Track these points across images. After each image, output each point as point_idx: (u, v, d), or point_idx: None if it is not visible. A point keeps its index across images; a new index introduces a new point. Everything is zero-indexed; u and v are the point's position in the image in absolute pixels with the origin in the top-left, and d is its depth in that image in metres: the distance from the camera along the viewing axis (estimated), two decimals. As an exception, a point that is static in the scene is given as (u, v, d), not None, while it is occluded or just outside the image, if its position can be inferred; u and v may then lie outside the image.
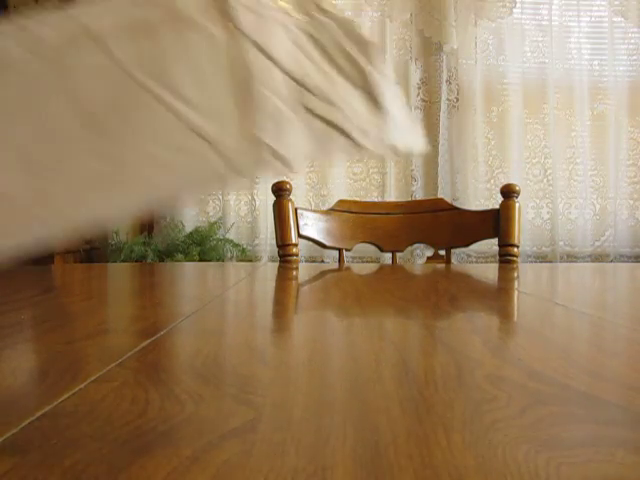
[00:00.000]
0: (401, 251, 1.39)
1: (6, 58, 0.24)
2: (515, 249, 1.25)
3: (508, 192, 1.27)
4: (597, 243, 2.13)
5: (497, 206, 1.28)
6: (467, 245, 1.33)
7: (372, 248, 1.40)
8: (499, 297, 0.74)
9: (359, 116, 0.26)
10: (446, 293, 0.71)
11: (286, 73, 0.25)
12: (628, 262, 2.09)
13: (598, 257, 2.12)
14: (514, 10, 2.16)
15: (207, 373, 0.32)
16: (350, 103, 0.26)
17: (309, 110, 0.25)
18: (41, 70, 0.24)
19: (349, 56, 0.26)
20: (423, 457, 0.21)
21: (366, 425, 0.24)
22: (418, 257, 2.16)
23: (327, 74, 0.26)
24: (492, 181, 2.15)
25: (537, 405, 0.27)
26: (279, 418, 0.25)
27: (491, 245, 1.95)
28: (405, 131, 0.27)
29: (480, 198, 2.14)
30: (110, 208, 0.24)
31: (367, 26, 2.20)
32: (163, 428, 0.24)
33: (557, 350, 0.39)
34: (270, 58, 0.25)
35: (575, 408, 0.26)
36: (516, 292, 0.78)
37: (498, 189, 1.32)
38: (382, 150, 0.26)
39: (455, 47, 2.15)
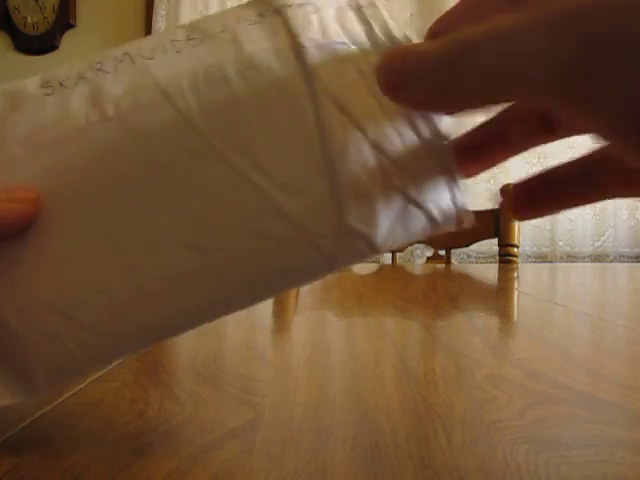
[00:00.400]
0: (401, 251, 1.39)
1: (75, 123, 0.21)
2: (515, 249, 1.25)
3: (508, 192, 1.27)
4: (597, 243, 2.13)
5: (497, 206, 1.28)
6: (467, 245, 1.33)
7: (372, 248, 1.40)
8: (499, 297, 0.74)
9: (434, 189, 0.21)
10: (446, 293, 0.71)
11: (365, 135, 0.20)
12: (628, 262, 2.09)
13: (598, 257, 2.12)
14: (514, 10, 2.16)
15: (207, 373, 0.32)
16: (427, 174, 0.21)
17: (388, 182, 0.21)
18: (116, 138, 0.21)
19: (427, 115, 0.21)
20: (423, 457, 0.21)
21: (366, 425, 0.24)
22: (418, 257, 2.16)
23: (405, 137, 0.21)
24: (492, 181, 2.15)
25: (537, 405, 0.27)
26: (279, 418, 0.25)
27: (491, 245, 1.95)
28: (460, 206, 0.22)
29: (480, 198, 2.14)
30: (203, 306, 0.21)
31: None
32: (163, 428, 0.24)
33: (557, 350, 0.39)
34: (348, 115, 0.20)
35: (575, 408, 0.26)
36: (516, 292, 0.78)
37: (498, 189, 1.32)
38: (454, 229, 0.23)
39: (455, 47, 2.15)
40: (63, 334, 0.21)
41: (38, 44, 2.27)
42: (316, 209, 0.20)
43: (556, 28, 0.15)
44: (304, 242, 0.20)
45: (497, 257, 1.27)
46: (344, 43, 0.21)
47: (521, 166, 2.09)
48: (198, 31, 0.22)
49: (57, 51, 2.29)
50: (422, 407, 0.26)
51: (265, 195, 0.20)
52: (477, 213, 1.32)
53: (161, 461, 0.21)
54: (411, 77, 0.17)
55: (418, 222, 0.21)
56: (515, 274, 1.00)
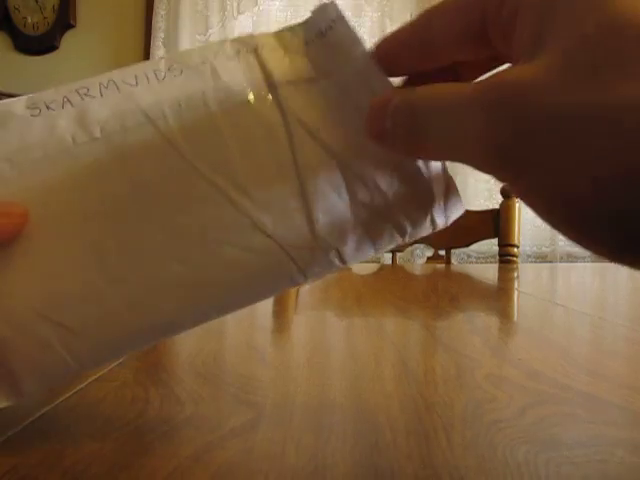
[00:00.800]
0: (401, 251, 1.39)
1: (62, 143, 0.22)
2: (515, 249, 1.25)
3: (508, 192, 1.27)
4: (597, 243, 2.13)
5: (497, 206, 1.28)
6: (467, 245, 1.33)
7: (372, 248, 1.40)
8: (499, 297, 0.74)
9: (401, 200, 0.22)
10: (446, 293, 0.71)
11: (333, 156, 0.22)
12: (628, 262, 2.09)
13: (598, 257, 2.12)
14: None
15: (207, 373, 0.32)
16: (392, 185, 0.22)
17: (354, 196, 0.22)
18: (102, 158, 0.22)
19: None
20: (423, 457, 0.21)
21: (366, 424, 0.24)
22: (418, 257, 2.16)
23: (375, 154, 0.22)
24: (492, 181, 2.14)
25: (537, 405, 0.27)
26: (279, 417, 0.25)
27: (491, 245, 1.95)
28: (445, 206, 0.23)
29: (480, 198, 2.14)
30: (187, 313, 0.23)
31: (367, 26, 2.20)
32: (163, 428, 0.24)
33: (557, 350, 0.39)
34: (318, 140, 0.22)
35: (575, 408, 0.26)
36: (516, 292, 0.78)
37: (498, 189, 1.32)
38: (425, 233, 0.24)
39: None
40: (52, 339, 0.21)
41: (38, 44, 2.27)
42: (291, 224, 0.22)
43: (491, 110, 0.16)
44: (281, 253, 0.22)
45: (497, 257, 1.27)
46: (313, 79, 0.23)
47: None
48: (178, 62, 0.23)
49: (57, 51, 2.29)
50: (422, 407, 0.26)
51: (244, 211, 0.22)
52: (477, 213, 1.32)
53: (162, 461, 0.21)
54: (390, 130, 0.20)
55: (387, 234, 0.23)
56: (515, 274, 1.01)
